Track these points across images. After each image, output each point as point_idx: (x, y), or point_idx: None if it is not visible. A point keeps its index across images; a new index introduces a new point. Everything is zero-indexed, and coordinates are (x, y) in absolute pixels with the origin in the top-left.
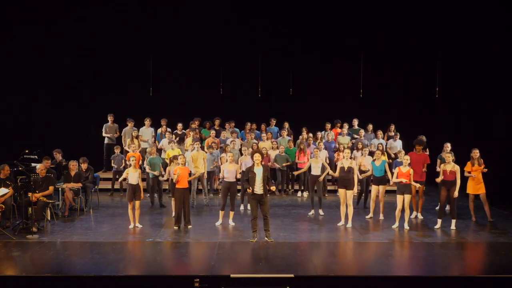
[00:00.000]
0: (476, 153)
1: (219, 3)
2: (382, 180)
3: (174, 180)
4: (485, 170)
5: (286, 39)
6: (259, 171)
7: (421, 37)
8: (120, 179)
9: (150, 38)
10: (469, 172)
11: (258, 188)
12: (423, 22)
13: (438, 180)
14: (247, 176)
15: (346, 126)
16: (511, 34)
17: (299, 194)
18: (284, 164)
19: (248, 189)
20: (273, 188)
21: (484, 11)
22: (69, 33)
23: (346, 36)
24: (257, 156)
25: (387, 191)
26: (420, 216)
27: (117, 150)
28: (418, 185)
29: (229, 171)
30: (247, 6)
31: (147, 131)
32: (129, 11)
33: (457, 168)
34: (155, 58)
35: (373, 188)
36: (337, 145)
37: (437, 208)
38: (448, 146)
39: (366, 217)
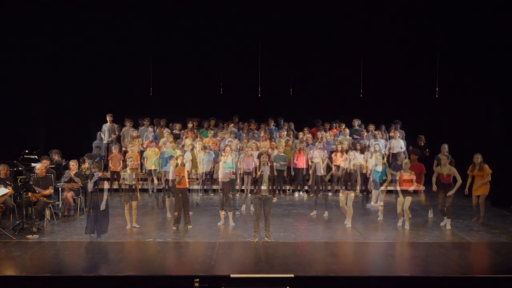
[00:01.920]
0: (477, 158)
1: (219, 2)
2: (382, 184)
3: (176, 181)
4: (487, 176)
5: (286, 39)
6: (265, 171)
7: (421, 36)
8: (121, 181)
9: (150, 38)
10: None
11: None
12: (423, 22)
13: (434, 189)
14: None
15: (343, 126)
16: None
17: (295, 194)
18: (282, 163)
19: (259, 173)
20: (274, 199)
21: (484, 10)
22: (69, 33)
23: (346, 36)
24: (264, 157)
25: (387, 191)
26: (430, 215)
27: (115, 150)
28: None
29: (222, 172)
30: (246, 6)
31: (145, 131)
32: (129, 11)
33: (453, 170)
34: (155, 58)
35: (374, 193)
36: (335, 146)
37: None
38: (445, 147)
39: (367, 217)
